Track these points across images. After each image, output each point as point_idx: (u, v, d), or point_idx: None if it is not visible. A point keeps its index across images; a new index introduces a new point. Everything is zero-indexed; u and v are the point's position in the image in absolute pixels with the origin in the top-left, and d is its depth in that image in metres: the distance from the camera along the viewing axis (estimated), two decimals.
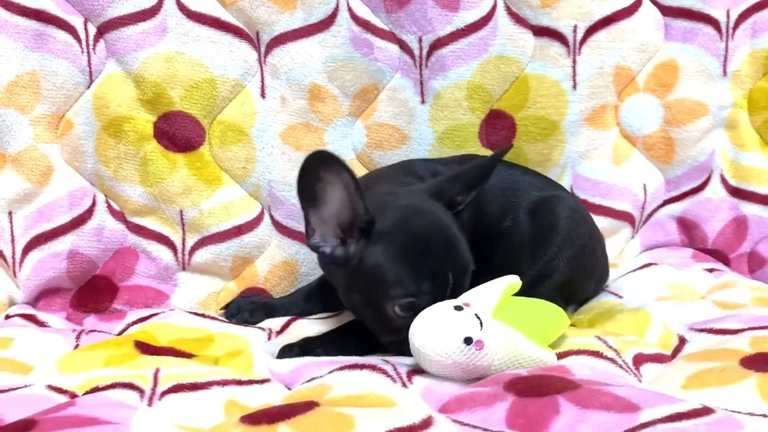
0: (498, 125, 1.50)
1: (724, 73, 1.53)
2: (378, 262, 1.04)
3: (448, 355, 0.92)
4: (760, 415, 0.81)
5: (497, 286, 1.02)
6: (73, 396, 0.93)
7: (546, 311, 1.08)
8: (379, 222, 1.05)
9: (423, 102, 1.48)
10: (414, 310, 1.00)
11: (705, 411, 0.79)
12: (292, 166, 1.43)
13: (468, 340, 0.92)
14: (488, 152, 1.50)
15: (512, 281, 1.03)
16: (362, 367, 0.99)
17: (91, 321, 1.30)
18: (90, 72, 1.33)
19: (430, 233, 1.05)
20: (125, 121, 1.33)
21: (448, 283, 1.03)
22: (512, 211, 1.28)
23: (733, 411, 0.81)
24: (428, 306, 0.99)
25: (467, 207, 1.16)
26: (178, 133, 1.36)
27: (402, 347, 1.01)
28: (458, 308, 0.95)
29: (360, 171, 1.48)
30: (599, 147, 1.54)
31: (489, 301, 0.98)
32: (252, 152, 1.41)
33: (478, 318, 0.93)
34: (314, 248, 1.08)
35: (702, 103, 1.53)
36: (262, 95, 1.42)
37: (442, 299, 1.01)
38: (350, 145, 1.48)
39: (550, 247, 1.24)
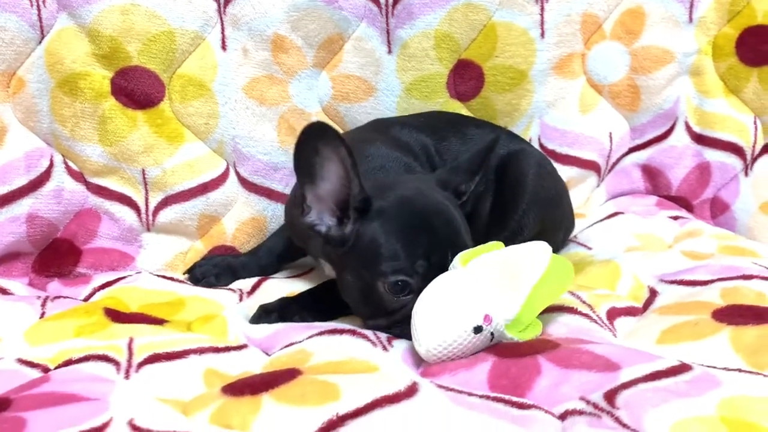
0: (466, 75, 1.48)
1: (690, 19, 1.52)
2: (373, 237, 0.98)
3: (449, 358, 0.90)
4: (735, 370, 0.83)
5: (527, 285, 0.91)
6: (46, 370, 0.91)
7: (558, 276, 0.96)
8: (378, 201, 1.00)
9: (390, 52, 1.45)
10: (406, 292, 0.96)
11: (683, 368, 0.80)
12: (256, 120, 1.40)
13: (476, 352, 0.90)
14: (456, 103, 1.49)
15: (543, 271, 0.92)
16: (342, 332, 0.98)
17: (55, 286, 1.27)
18: (41, 26, 1.26)
19: (431, 213, 1.00)
20: (81, 77, 1.27)
21: (446, 265, 0.96)
22: (484, 173, 1.27)
23: (709, 366, 0.82)
24: (420, 288, 0.93)
25: None
26: (136, 89, 1.31)
27: (389, 331, 0.98)
28: (478, 330, 0.88)
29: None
30: (566, 96, 1.54)
31: (512, 309, 0.90)
32: (214, 107, 1.36)
33: (492, 334, 0.90)
34: (310, 227, 1.02)
35: (668, 50, 1.52)
36: (223, 47, 1.37)
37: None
38: (316, 97, 1.45)
39: (520, 206, 1.24)
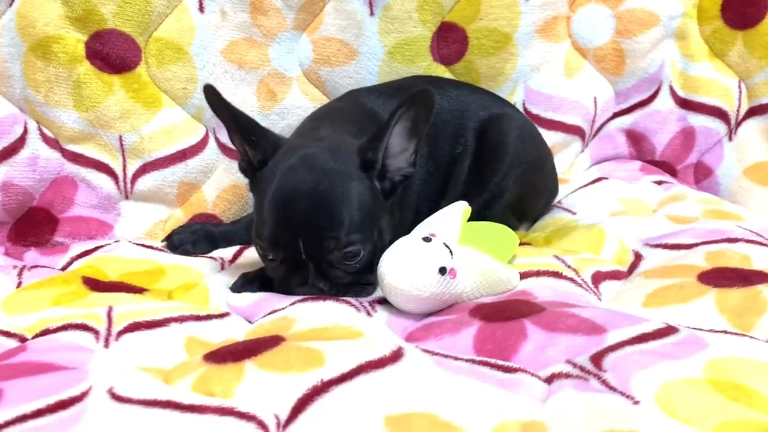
0: (450, 38, 1.45)
1: None
2: (254, 203, 1.06)
3: (425, 287, 0.90)
4: (721, 332, 0.82)
5: (454, 212, 1.00)
6: (23, 340, 0.89)
7: (498, 232, 1.08)
8: (270, 165, 1.03)
9: (372, 14, 1.42)
10: (270, 259, 1.02)
11: (669, 330, 0.80)
12: (235, 84, 1.37)
13: (442, 270, 0.90)
14: (440, 67, 1.46)
15: (465, 207, 1.02)
16: (324, 298, 0.97)
17: (32, 255, 1.24)
18: None
19: (296, 196, 0.98)
20: (54, 41, 1.23)
21: (299, 257, 0.99)
22: (462, 134, 1.25)
23: (695, 328, 0.82)
24: (281, 264, 1.00)
25: (424, 139, 1.08)
26: (112, 53, 1.27)
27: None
28: (426, 239, 0.92)
29: (308, 89, 1.43)
30: (551, 60, 1.52)
31: (452, 228, 0.96)
32: (192, 71, 1.33)
33: (447, 246, 0.91)
34: (242, 171, 1.09)
35: (653, 13, 1.51)
36: (201, 9, 1.33)
37: (293, 262, 0.99)
38: (296, 60, 1.42)
39: (500, 168, 1.23)
